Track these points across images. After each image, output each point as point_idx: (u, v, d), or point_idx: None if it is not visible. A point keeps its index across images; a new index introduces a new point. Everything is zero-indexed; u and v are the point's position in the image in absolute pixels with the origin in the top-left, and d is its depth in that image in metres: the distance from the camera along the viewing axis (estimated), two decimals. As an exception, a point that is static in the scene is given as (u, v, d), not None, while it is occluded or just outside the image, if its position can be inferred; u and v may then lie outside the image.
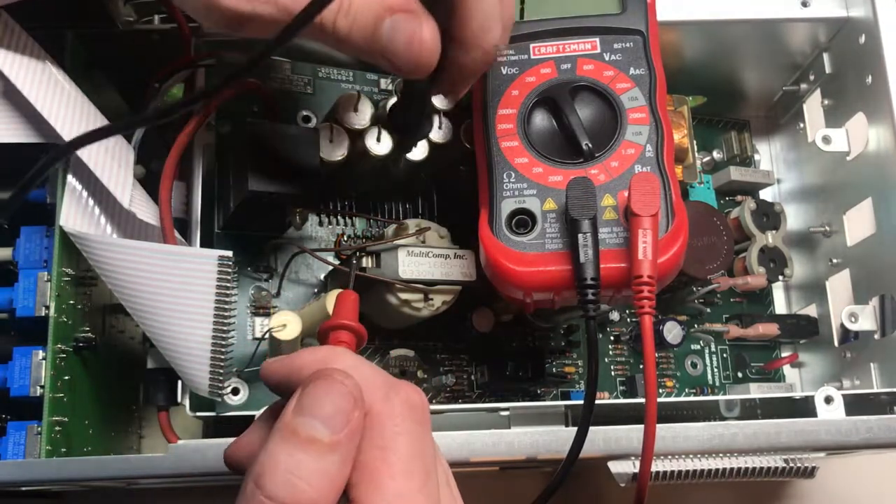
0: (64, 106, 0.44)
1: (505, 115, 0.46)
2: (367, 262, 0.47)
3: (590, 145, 0.44)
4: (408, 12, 0.37)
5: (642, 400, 0.41)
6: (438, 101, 0.50)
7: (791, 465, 0.46)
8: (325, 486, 0.29)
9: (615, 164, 0.44)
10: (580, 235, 0.41)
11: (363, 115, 0.49)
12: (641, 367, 0.58)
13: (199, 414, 0.45)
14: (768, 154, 0.66)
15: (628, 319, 0.59)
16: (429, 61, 0.38)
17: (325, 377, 0.30)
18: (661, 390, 0.58)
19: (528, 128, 0.46)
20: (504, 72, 0.47)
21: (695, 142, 0.59)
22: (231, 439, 0.35)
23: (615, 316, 0.58)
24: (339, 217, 0.53)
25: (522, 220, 0.44)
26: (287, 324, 0.44)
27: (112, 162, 0.44)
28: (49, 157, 0.41)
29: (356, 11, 0.37)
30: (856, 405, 0.47)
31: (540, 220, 0.44)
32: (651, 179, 0.41)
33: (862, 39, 0.53)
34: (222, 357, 0.42)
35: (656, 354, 0.58)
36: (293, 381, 0.32)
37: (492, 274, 0.45)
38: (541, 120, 0.46)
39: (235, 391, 0.47)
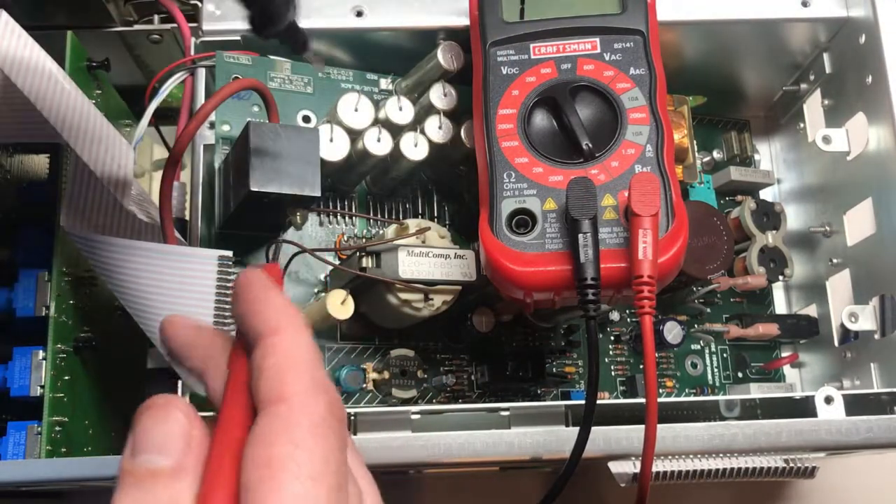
0: (64, 106, 0.44)
1: (505, 115, 0.46)
2: (367, 262, 0.47)
3: (590, 145, 0.44)
4: None
5: (642, 400, 0.41)
6: (438, 101, 0.50)
7: (791, 465, 0.46)
8: None
9: (615, 164, 0.44)
10: (580, 235, 0.41)
11: (363, 115, 0.49)
12: (641, 367, 0.58)
13: (198, 414, 0.45)
14: (768, 154, 0.66)
15: (628, 319, 0.59)
16: None
17: (148, 407, 0.28)
18: (661, 390, 0.58)
19: (528, 128, 0.45)
20: (504, 72, 0.47)
21: (695, 142, 0.59)
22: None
23: (615, 316, 0.58)
24: (339, 217, 0.53)
25: (523, 220, 0.44)
26: (287, 324, 0.44)
27: (111, 162, 0.44)
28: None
29: None
30: (856, 405, 0.47)
31: (540, 220, 0.44)
32: (651, 179, 0.41)
33: (862, 39, 0.53)
34: (222, 357, 0.42)
35: (656, 354, 0.58)
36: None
37: (492, 274, 0.45)
38: (541, 120, 0.46)
39: (235, 391, 0.47)
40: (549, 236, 0.43)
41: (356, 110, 0.49)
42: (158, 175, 0.57)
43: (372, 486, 0.31)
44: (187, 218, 0.49)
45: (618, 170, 0.44)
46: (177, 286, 0.42)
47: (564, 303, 0.45)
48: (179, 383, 0.44)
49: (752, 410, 0.53)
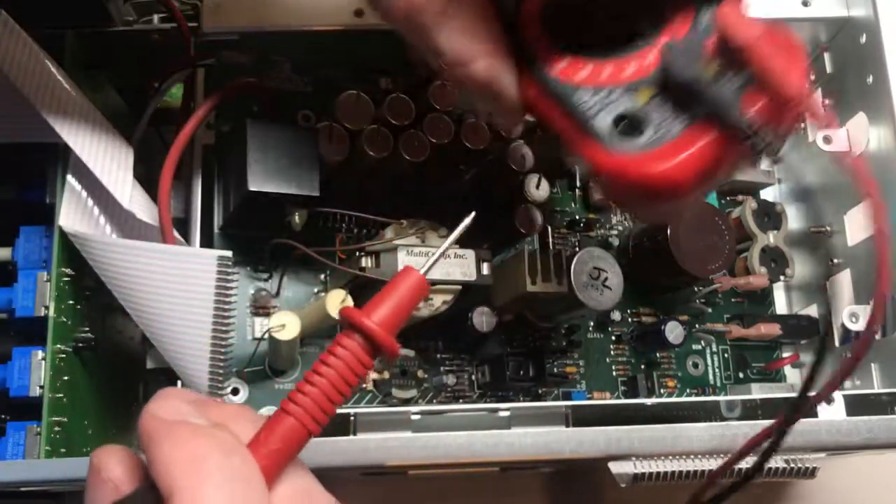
0: (64, 106, 0.44)
1: (548, 49, 0.39)
2: (366, 262, 0.47)
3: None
4: None
5: (643, 400, 0.41)
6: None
7: (792, 465, 0.46)
8: None
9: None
10: (707, 91, 0.34)
11: (363, 115, 0.49)
12: (643, 366, 0.58)
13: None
14: (769, 154, 0.66)
15: (629, 319, 0.59)
16: None
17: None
18: (662, 390, 0.58)
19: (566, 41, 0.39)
20: None
21: (696, 141, 0.58)
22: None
23: (616, 316, 0.58)
24: (338, 217, 0.53)
25: (628, 126, 0.37)
26: (286, 324, 0.44)
27: (111, 162, 0.44)
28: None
29: None
30: (856, 405, 0.47)
31: (647, 114, 0.36)
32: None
33: (863, 39, 0.53)
34: (222, 357, 0.42)
35: (657, 355, 0.58)
36: None
37: (643, 193, 0.36)
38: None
39: (235, 391, 0.47)
40: (667, 122, 0.36)
41: (356, 110, 0.49)
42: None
43: None
44: (187, 218, 0.49)
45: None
46: (177, 286, 0.42)
47: (727, 175, 0.38)
48: (179, 383, 0.44)
49: (752, 411, 0.53)
